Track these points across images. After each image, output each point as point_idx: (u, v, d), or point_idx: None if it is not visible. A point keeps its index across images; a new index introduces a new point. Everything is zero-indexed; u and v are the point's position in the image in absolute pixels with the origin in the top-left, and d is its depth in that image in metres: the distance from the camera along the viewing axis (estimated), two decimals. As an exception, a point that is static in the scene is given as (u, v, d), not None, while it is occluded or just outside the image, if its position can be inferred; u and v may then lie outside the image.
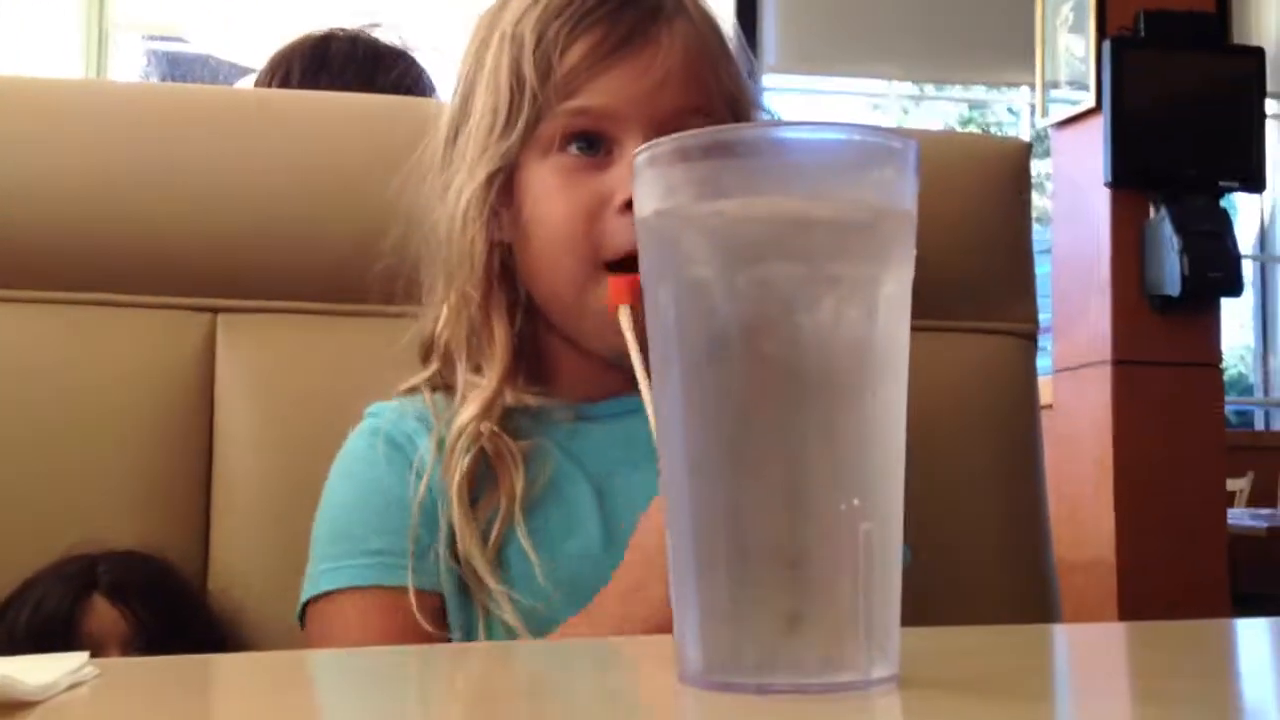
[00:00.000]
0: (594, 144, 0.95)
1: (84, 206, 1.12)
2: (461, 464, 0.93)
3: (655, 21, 0.96)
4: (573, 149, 0.95)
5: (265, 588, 1.08)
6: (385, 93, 1.58)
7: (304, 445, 1.10)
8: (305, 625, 0.95)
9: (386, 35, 1.66)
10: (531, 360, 1.00)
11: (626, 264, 0.91)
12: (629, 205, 0.90)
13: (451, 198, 0.97)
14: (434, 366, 1.01)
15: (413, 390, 1.02)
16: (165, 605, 1.01)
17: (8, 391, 1.09)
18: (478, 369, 0.97)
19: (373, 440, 0.98)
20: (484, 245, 0.96)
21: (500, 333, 0.97)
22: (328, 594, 0.94)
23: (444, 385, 1.00)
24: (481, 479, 0.95)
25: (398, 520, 0.93)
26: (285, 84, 1.58)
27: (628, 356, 0.89)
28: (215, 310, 1.14)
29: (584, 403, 1.00)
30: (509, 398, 0.97)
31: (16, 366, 1.10)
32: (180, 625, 0.99)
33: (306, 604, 0.95)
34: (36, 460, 1.08)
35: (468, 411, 0.95)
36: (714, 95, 0.98)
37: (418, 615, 0.90)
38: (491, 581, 0.90)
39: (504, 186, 0.96)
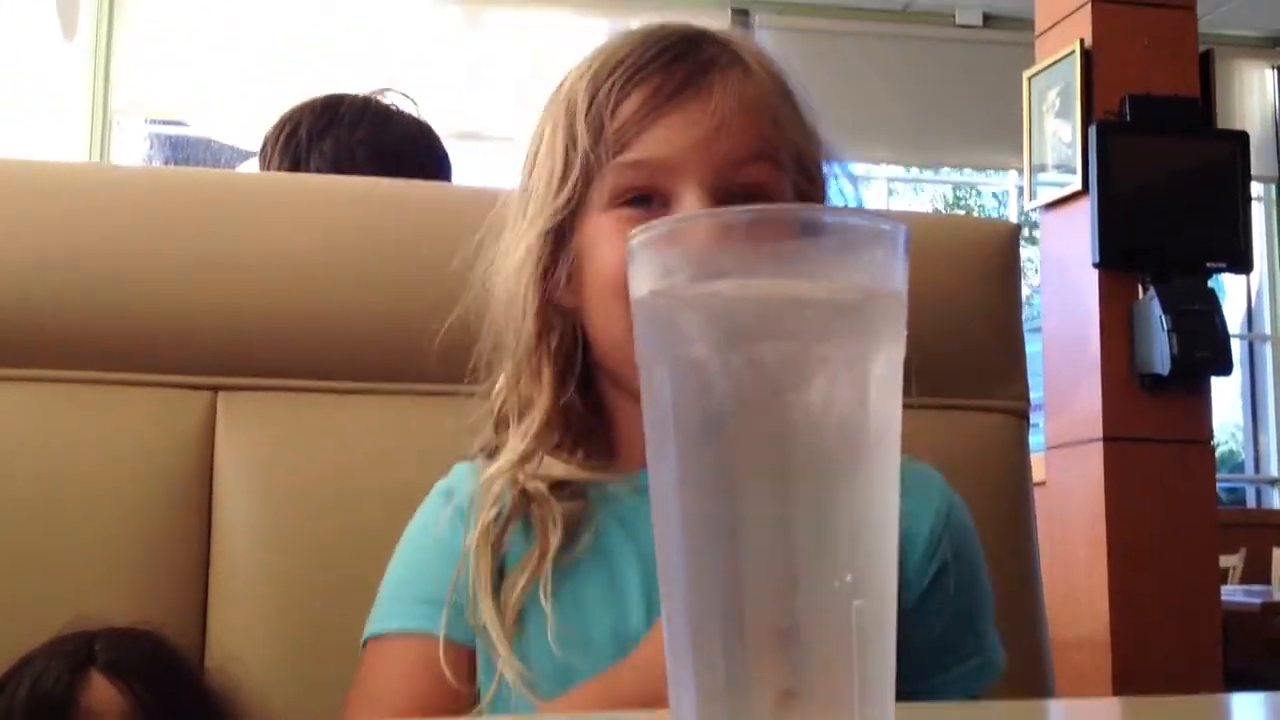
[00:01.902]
0: (649, 200, 0.93)
1: (86, 286, 1.13)
2: (486, 515, 0.92)
3: (708, 73, 0.94)
4: (629, 204, 0.94)
5: (262, 665, 1.08)
6: (396, 145, 1.57)
7: (303, 523, 1.11)
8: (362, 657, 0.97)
9: (399, 103, 1.66)
10: (598, 432, 0.99)
11: None
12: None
13: (509, 260, 0.97)
14: (489, 435, 1.01)
15: (488, 452, 1.02)
16: (163, 682, 1.01)
17: (7, 468, 1.09)
18: (520, 424, 0.97)
19: (437, 496, 1.00)
20: (535, 305, 0.95)
21: (543, 396, 0.96)
22: (377, 637, 0.96)
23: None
24: (519, 541, 0.94)
25: (444, 572, 0.94)
26: (293, 139, 1.57)
27: None
28: (215, 388, 1.15)
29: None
30: (561, 471, 0.95)
31: (16, 444, 1.10)
32: (178, 702, 0.99)
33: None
34: (34, 537, 1.08)
35: (498, 464, 0.95)
36: (775, 144, 0.96)
37: (444, 666, 0.90)
38: (499, 644, 0.90)
39: (561, 245, 0.96)
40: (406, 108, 1.66)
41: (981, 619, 1.04)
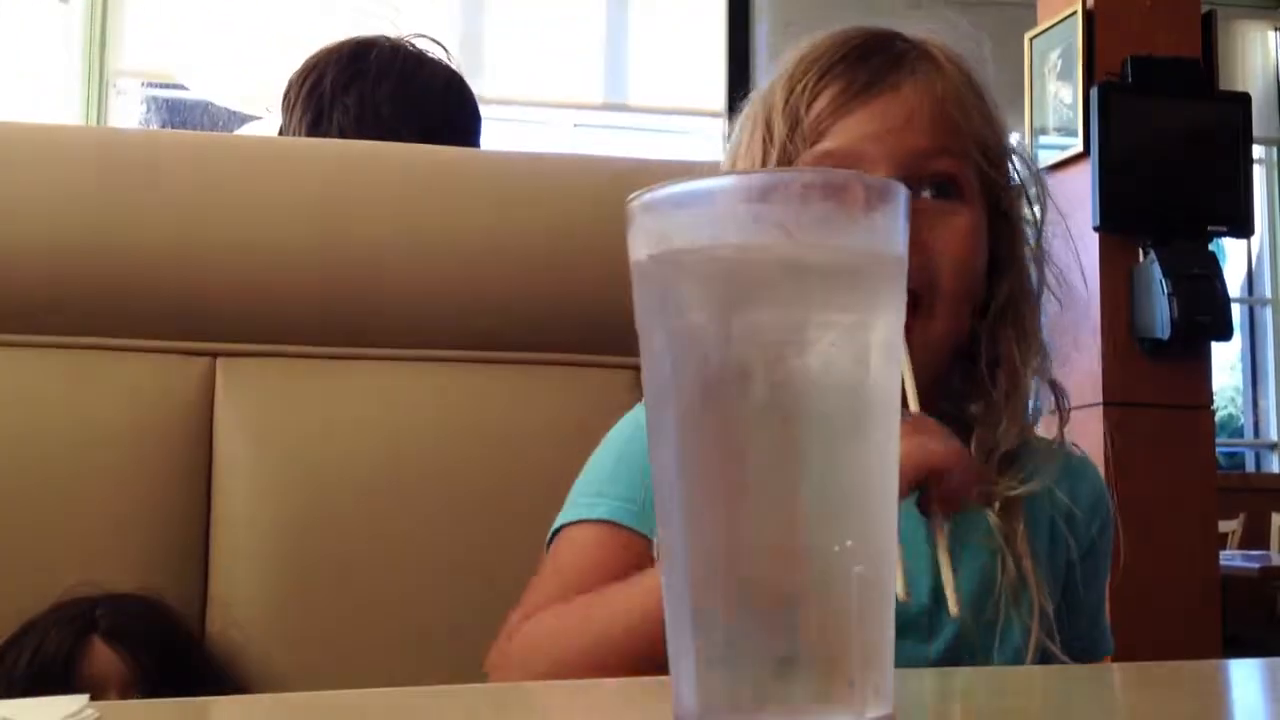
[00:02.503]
0: None
1: (84, 252, 1.12)
2: None
3: (899, 69, 0.99)
4: None
5: (263, 630, 1.08)
6: (423, 99, 1.52)
7: (302, 487, 1.11)
8: (550, 548, 1.02)
9: (431, 50, 1.61)
10: None
11: None
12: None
13: None
14: None
15: None
16: (164, 648, 1.01)
17: (7, 435, 1.09)
18: None
19: (639, 413, 1.02)
20: None
21: None
22: (574, 523, 1.00)
23: None
24: None
25: (642, 474, 0.97)
26: (317, 89, 1.51)
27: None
28: (214, 354, 1.14)
29: None
30: None
31: (16, 411, 1.10)
32: (179, 668, 0.99)
33: (558, 530, 1.01)
34: (35, 504, 1.08)
35: None
36: (962, 138, 1.00)
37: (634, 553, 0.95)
38: None
39: None
40: (438, 54, 1.61)
41: (1102, 609, 1.18)
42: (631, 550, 0.97)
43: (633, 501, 0.99)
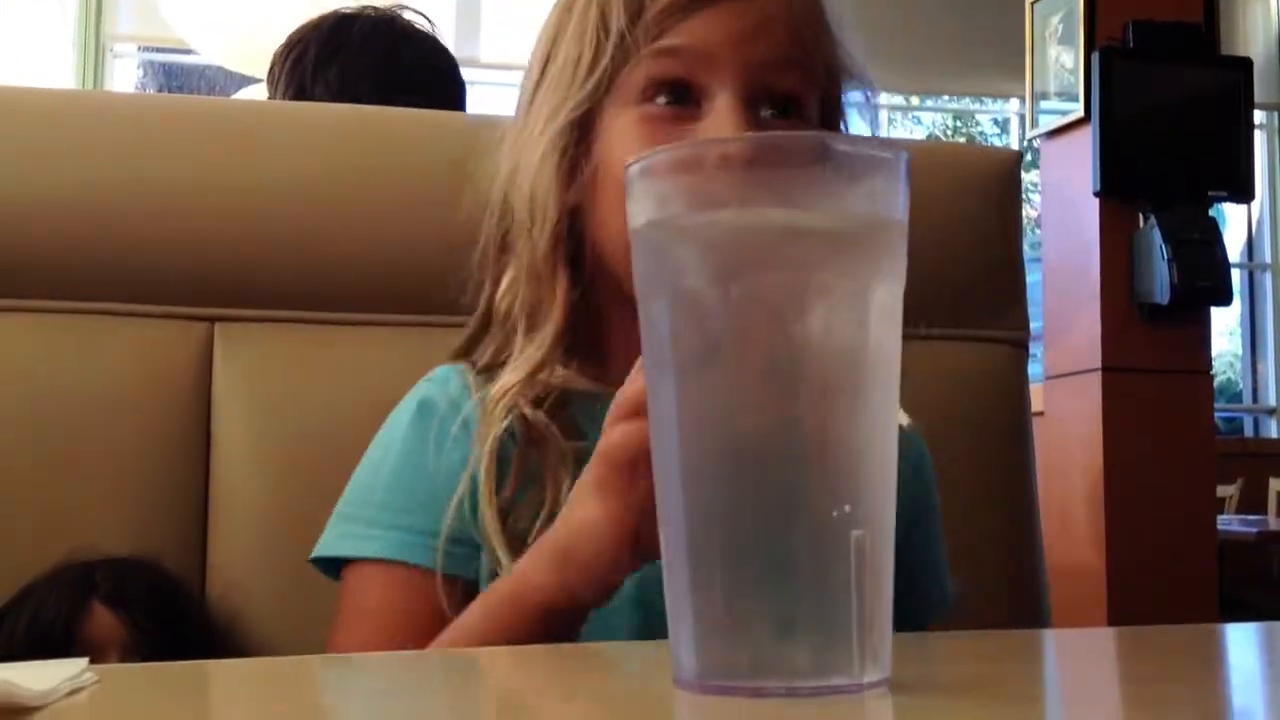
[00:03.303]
0: (681, 96, 0.89)
1: (80, 216, 1.12)
2: (495, 432, 0.88)
3: None
4: (659, 100, 0.89)
5: (263, 593, 1.08)
6: (405, 73, 1.52)
7: (301, 453, 1.11)
8: (341, 580, 0.94)
9: (416, 21, 1.60)
10: (591, 346, 0.94)
11: None
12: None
13: (524, 157, 0.93)
14: (478, 331, 0.97)
15: (466, 350, 0.97)
16: (164, 611, 1.01)
17: (5, 400, 1.09)
18: (530, 334, 0.92)
19: (419, 408, 0.94)
20: (557, 197, 0.91)
21: (561, 294, 0.91)
22: (354, 561, 0.92)
23: (495, 363, 0.95)
24: (528, 473, 0.89)
25: (428, 497, 0.90)
26: (299, 65, 1.51)
27: None
28: (212, 319, 1.14)
29: None
30: (560, 378, 0.91)
31: (14, 375, 1.10)
32: (178, 631, 0.99)
33: (340, 562, 0.93)
34: (34, 468, 1.09)
35: (511, 376, 0.90)
36: (814, 55, 0.92)
37: (442, 600, 0.87)
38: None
39: (581, 139, 0.91)
40: (423, 26, 1.61)
41: (940, 562, 1.05)
42: (420, 593, 0.89)
43: (425, 534, 0.90)
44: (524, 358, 0.91)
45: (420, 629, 0.85)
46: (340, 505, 0.95)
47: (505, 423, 0.88)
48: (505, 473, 0.89)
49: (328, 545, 0.93)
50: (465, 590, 0.89)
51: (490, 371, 0.94)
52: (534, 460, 0.89)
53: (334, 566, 0.94)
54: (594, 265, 0.93)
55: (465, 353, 0.98)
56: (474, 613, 0.83)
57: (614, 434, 0.74)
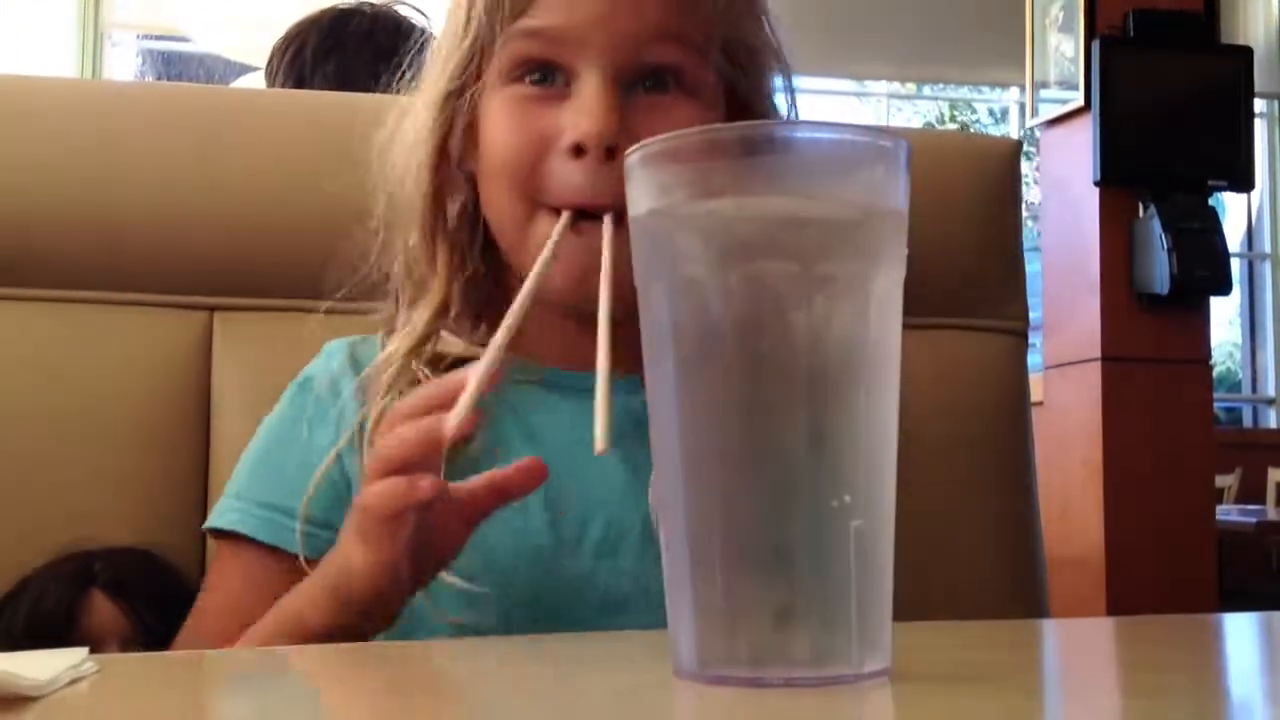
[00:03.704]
0: (548, 75, 0.86)
1: (79, 205, 1.12)
2: (378, 405, 0.86)
3: None
4: (527, 80, 0.87)
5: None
6: (405, 66, 1.53)
7: (300, 443, 1.11)
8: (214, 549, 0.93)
9: (413, 16, 1.60)
10: (495, 314, 0.88)
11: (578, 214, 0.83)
12: (578, 151, 0.83)
13: (405, 123, 0.93)
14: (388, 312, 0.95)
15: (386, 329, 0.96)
16: (163, 601, 1.01)
17: (4, 390, 1.09)
18: (412, 305, 0.91)
19: (299, 385, 0.94)
20: (429, 168, 0.90)
21: (441, 266, 0.90)
22: (216, 531, 0.91)
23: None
24: None
25: (294, 475, 0.88)
26: (298, 59, 1.52)
27: (570, 305, 0.84)
28: (211, 308, 1.14)
29: (554, 368, 0.91)
30: (460, 349, 0.89)
31: (12, 364, 1.10)
32: (178, 621, 0.99)
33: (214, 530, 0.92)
34: (33, 458, 1.08)
35: (393, 346, 0.89)
36: (691, 23, 0.87)
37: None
38: None
39: (458, 113, 0.90)
40: (420, 22, 1.61)
41: None
42: (269, 573, 0.86)
43: (282, 512, 0.87)
44: (409, 328, 0.90)
45: (260, 610, 0.82)
46: (233, 477, 0.94)
47: (387, 398, 0.86)
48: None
49: (219, 517, 0.92)
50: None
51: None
52: None
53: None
54: (491, 237, 0.92)
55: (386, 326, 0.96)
56: (267, 624, 0.81)
57: (371, 491, 0.71)
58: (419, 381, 0.86)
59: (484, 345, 0.84)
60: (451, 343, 0.90)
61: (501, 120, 0.87)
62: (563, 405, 0.90)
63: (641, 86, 0.86)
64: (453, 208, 0.93)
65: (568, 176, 0.84)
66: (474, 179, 0.92)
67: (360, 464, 0.87)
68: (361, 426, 0.88)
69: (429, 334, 0.89)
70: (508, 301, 0.86)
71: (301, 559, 0.86)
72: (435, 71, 0.92)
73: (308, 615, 0.77)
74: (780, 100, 0.96)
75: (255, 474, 0.92)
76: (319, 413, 0.91)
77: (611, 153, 0.82)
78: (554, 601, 0.85)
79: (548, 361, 0.91)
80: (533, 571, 0.84)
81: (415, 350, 0.88)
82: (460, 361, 0.88)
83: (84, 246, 1.12)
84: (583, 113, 0.83)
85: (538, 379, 0.91)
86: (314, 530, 0.87)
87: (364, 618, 0.75)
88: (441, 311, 0.90)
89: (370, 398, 0.88)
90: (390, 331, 0.94)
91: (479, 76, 0.89)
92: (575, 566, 0.86)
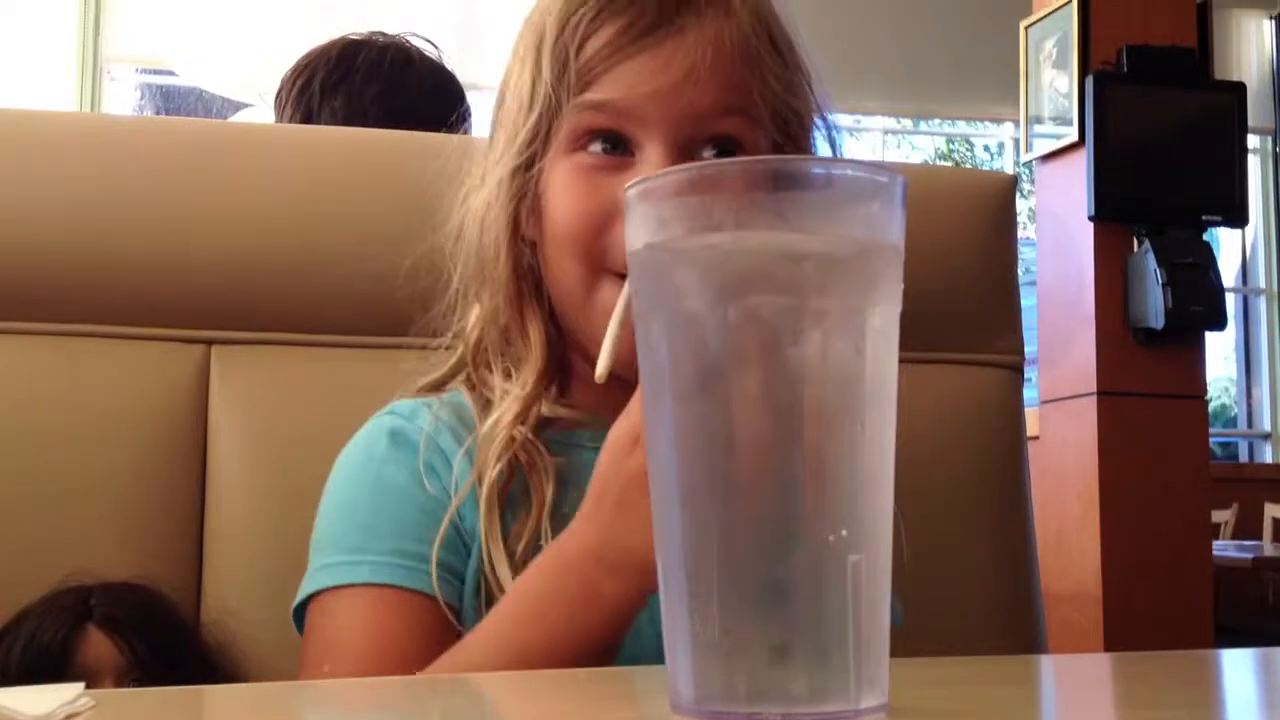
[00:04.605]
0: (616, 144, 0.89)
1: (77, 238, 1.12)
2: (493, 472, 0.88)
3: (684, 12, 0.88)
4: (593, 148, 0.89)
5: (258, 619, 1.08)
6: (411, 101, 1.53)
7: (297, 477, 1.10)
8: (305, 622, 0.91)
9: (425, 48, 1.61)
10: (562, 372, 0.95)
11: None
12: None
13: (480, 194, 0.95)
14: (455, 367, 0.98)
15: (435, 388, 0.98)
16: (159, 636, 1.01)
17: (1, 422, 1.09)
18: (508, 375, 0.93)
19: (392, 438, 0.94)
20: (508, 242, 0.92)
21: (535, 334, 0.92)
22: (333, 589, 0.89)
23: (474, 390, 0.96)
24: (515, 495, 0.90)
25: (413, 523, 0.89)
26: (306, 90, 1.52)
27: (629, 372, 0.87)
28: (209, 342, 1.14)
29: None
30: (546, 409, 0.92)
31: (9, 398, 1.10)
32: (174, 656, 0.99)
33: (308, 602, 0.90)
34: (29, 492, 1.08)
35: (504, 415, 0.90)
36: (753, 97, 0.90)
37: (432, 626, 0.86)
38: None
39: (527, 183, 0.92)
40: (430, 53, 1.62)
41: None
42: (415, 616, 0.87)
43: (414, 558, 0.88)
44: (511, 397, 0.92)
45: (413, 652, 0.84)
46: (313, 544, 0.93)
47: (502, 463, 0.89)
48: (504, 509, 0.90)
49: (314, 581, 0.91)
50: (450, 615, 0.88)
51: (442, 397, 0.95)
52: (517, 485, 0.90)
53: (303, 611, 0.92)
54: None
55: (439, 387, 0.99)
56: (502, 616, 0.82)
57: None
58: (533, 445, 0.90)
59: (562, 407, 0.92)
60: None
61: (567, 189, 0.90)
62: None
63: (706, 154, 0.89)
64: (529, 273, 0.95)
65: None
66: (533, 245, 0.94)
67: (479, 521, 0.89)
68: (476, 484, 0.90)
69: (532, 401, 0.91)
70: (574, 363, 0.94)
71: (441, 601, 0.87)
72: (502, 145, 0.94)
73: (522, 636, 0.79)
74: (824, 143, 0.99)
75: (375, 524, 0.91)
76: (427, 466, 0.92)
77: None
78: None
79: (603, 427, 0.93)
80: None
81: (521, 417, 0.91)
82: (546, 423, 0.92)
83: (81, 280, 1.12)
84: None
85: (595, 445, 0.91)
86: (445, 575, 0.88)
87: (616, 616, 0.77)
88: (541, 379, 0.92)
89: (483, 461, 0.90)
90: (473, 388, 0.96)
91: (546, 148, 0.91)
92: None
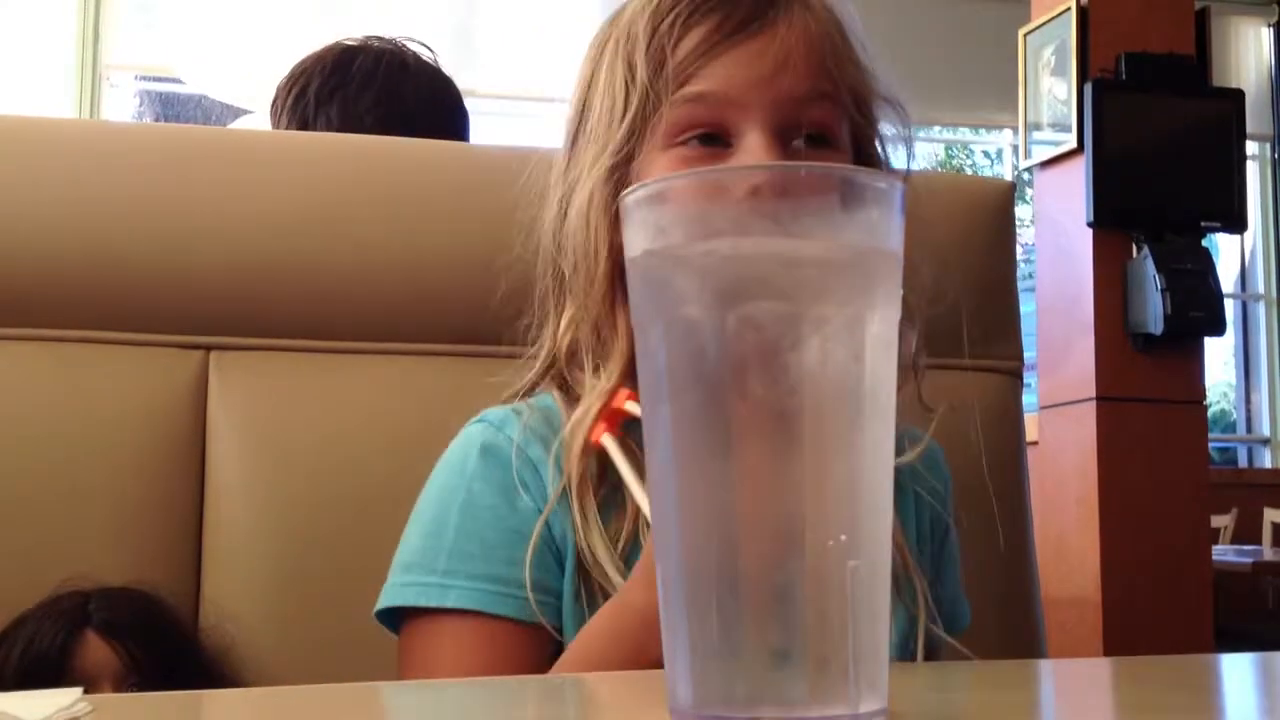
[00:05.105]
0: (714, 138, 0.91)
1: (76, 245, 1.12)
2: (579, 464, 0.90)
3: (771, 7, 0.93)
4: (692, 141, 0.92)
5: (256, 624, 1.08)
6: (407, 108, 1.52)
7: (295, 482, 1.11)
8: (400, 640, 0.93)
9: (421, 53, 1.61)
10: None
11: None
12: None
13: (573, 202, 0.96)
14: (542, 371, 0.99)
15: (527, 393, 0.99)
16: (157, 641, 1.01)
17: (0, 429, 1.09)
18: (596, 371, 0.94)
19: (483, 453, 0.94)
20: (606, 240, 0.94)
21: (623, 330, 0.93)
22: (424, 612, 0.91)
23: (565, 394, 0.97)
24: (606, 496, 0.91)
25: (502, 545, 0.90)
26: (301, 99, 1.52)
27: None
28: (207, 348, 1.14)
29: None
30: (634, 407, 0.91)
31: (8, 404, 1.10)
32: (172, 661, 0.99)
33: (399, 614, 0.92)
34: (28, 498, 1.08)
35: (588, 410, 0.92)
36: (836, 82, 0.94)
37: (528, 653, 0.88)
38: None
39: (623, 183, 0.93)
40: (426, 57, 1.61)
41: (960, 579, 1.08)
42: (500, 641, 0.89)
43: (502, 582, 0.89)
44: (595, 392, 0.93)
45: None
46: (402, 554, 0.94)
47: (591, 453, 0.91)
48: (589, 500, 0.91)
49: (395, 595, 0.92)
50: (552, 640, 0.89)
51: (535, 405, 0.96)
52: (608, 485, 0.91)
53: (392, 617, 0.93)
54: None
55: (528, 392, 1.00)
56: (583, 641, 0.84)
57: None
58: (623, 442, 0.90)
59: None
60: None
61: None
62: None
63: (797, 141, 0.91)
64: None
65: None
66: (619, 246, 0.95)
67: (572, 524, 0.90)
68: (564, 489, 0.91)
69: (616, 394, 0.92)
70: None
71: (529, 626, 0.89)
72: (598, 145, 0.95)
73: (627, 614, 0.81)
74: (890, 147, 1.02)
75: (462, 547, 0.91)
76: (518, 480, 0.93)
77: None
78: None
79: None
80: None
81: (606, 409, 0.92)
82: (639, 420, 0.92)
83: (80, 286, 1.12)
84: (755, 162, 0.88)
85: None
86: (541, 597, 0.89)
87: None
88: (625, 374, 0.93)
89: (568, 460, 0.91)
90: (566, 392, 0.97)
91: (641, 145, 0.93)
92: None
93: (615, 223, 0.94)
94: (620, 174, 0.94)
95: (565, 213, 0.97)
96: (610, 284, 0.94)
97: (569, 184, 0.98)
